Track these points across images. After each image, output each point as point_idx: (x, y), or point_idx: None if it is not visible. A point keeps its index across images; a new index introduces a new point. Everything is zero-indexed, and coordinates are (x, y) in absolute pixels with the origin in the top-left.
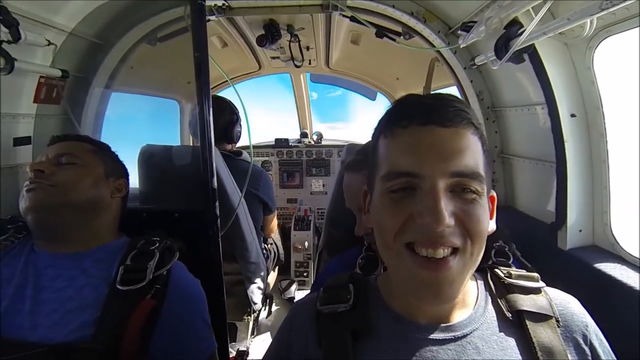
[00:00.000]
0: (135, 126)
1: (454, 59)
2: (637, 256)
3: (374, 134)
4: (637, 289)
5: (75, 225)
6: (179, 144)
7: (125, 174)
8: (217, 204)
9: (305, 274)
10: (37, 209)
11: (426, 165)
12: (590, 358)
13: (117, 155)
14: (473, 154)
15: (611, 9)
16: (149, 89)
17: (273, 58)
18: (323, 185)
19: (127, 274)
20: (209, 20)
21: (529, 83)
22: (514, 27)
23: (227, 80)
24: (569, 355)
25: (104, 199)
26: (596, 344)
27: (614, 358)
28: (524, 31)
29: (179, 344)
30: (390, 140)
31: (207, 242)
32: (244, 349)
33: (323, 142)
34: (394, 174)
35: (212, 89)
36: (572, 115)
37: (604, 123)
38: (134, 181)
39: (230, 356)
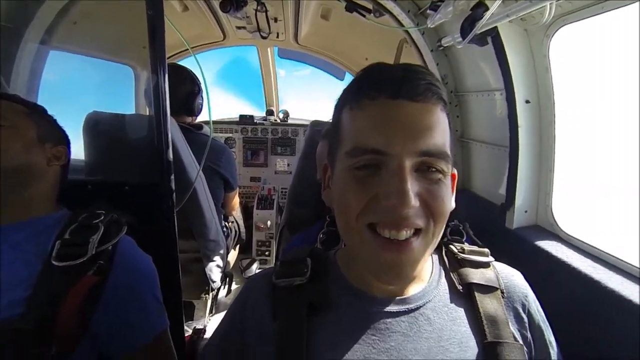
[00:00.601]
0: (81, 91)
1: (421, 40)
2: (572, 234)
3: (337, 104)
4: (571, 265)
5: (3, 195)
6: (133, 113)
7: (65, 141)
8: (172, 177)
9: (267, 253)
10: None
11: (394, 143)
12: (527, 324)
13: (54, 120)
14: (441, 131)
15: None
16: (97, 51)
17: (239, 28)
18: (288, 165)
19: (64, 248)
20: None
21: (491, 69)
22: (479, 9)
23: (188, 49)
24: (510, 323)
25: (37, 166)
26: (533, 312)
27: (548, 325)
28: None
29: (125, 321)
30: (356, 113)
31: (161, 216)
32: (201, 327)
33: (289, 121)
34: (359, 150)
35: (171, 56)
36: (527, 102)
37: (554, 110)
38: (80, 151)
39: (187, 334)
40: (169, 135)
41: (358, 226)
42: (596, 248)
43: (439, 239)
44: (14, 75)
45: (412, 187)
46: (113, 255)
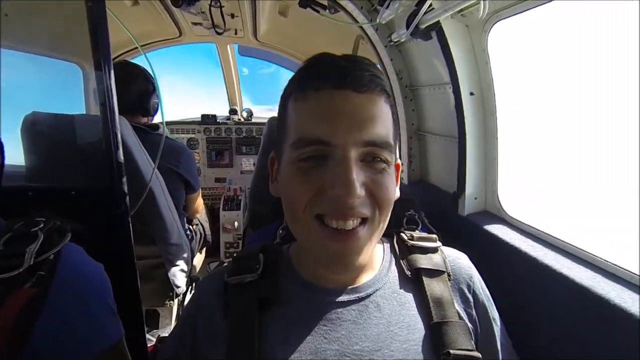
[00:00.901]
0: (19, 91)
1: (375, 36)
2: (516, 217)
3: (283, 94)
4: (514, 245)
5: None
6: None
7: None
8: (124, 180)
9: (235, 254)
10: None
11: (339, 133)
12: (472, 303)
13: None
14: (385, 122)
15: None
16: (35, 47)
17: (194, 24)
18: (254, 164)
19: None
20: None
21: (440, 64)
22: (423, 4)
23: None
24: (455, 304)
25: None
26: (478, 292)
27: (492, 303)
28: (430, 9)
29: (71, 333)
30: (301, 104)
31: (115, 222)
32: (166, 334)
33: (253, 120)
34: (303, 141)
35: (122, 54)
36: (471, 94)
37: (495, 101)
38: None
39: (151, 344)
40: (118, 135)
41: (306, 218)
42: (535, 228)
43: (385, 226)
44: None
45: (357, 176)
46: (56, 264)
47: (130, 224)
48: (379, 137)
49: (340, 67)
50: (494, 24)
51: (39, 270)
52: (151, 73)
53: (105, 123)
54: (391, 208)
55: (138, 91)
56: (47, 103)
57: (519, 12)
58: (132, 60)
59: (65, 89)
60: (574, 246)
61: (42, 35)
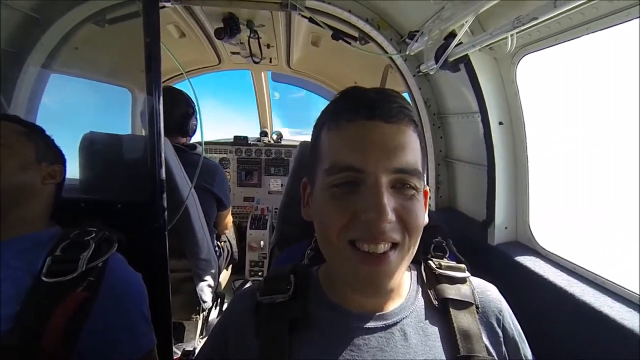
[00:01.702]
0: (80, 112)
1: (404, 66)
2: (549, 250)
3: (316, 124)
4: (548, 279)
5: None
6: (130, 133)
7: (61, 160)
8: (164, 195)
9: (260, 273)
10: None
11: (370, 161)
12: (502, 339)
13: (52, 140)
14: (413, 150)
15: (521, 28)
16: (96, 74)
17: (233, 53)
18: (281, 185)
19: (55, 265)
20: (163, 7)
21: (468, 94)
22: (451, 38)
23: (182, 73)
24: (484, 338)
25: (32, 184)
26: (508, 326)
27: (524, 339)
28: (459, 43)
29: (112, 338)
30: (334, 133)
31: (153, 235)
32: (191, 348)
33: (282, 142)
34: (337, 167)
35: (168, 79)
36: (500, 123)
37: (525, 131)
38: (75, 171)
39: (176, 357)
40: (162, 155)
41: (339, 243)
42: (571, 262)
43: (414, 252)
44: (14, 97)
45: (388, 202)
46: (103, 272)
47: (167, 238)
48: (408, 164)
49: (370, 100)
50: (522, 57)
51: (89, 276)
52: (193, 97)
53: (151, 143)
54: (420, 234)
55: (180, 114)
56: (101, 123)
57: (549, 46)
58: (175, 85)
59: (116, 111)
60: (614, 283)
61: (103, 65)
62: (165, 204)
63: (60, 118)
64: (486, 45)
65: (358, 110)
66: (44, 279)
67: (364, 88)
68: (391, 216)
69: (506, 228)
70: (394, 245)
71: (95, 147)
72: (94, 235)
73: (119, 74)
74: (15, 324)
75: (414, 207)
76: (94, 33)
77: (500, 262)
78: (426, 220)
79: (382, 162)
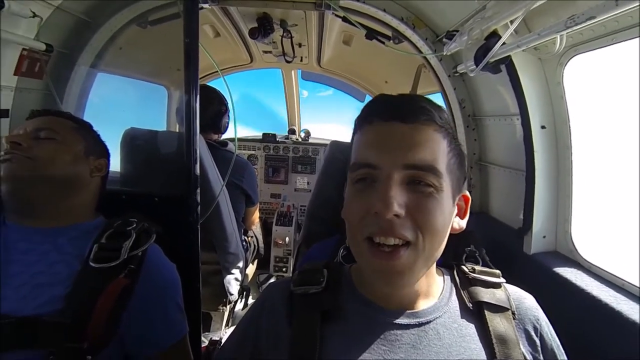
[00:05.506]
0: (121, 108)
1: (439, 66)
2: (593, 262)
3: (353, 130)
4: (591, 293)
5: (51, 201)
6: (165, 129)
7: (106, 154)
8: (198, 191)
9: (284, 269)
10: (11, 180)
11: (383, 157)
12: (539, 347)
13: (98, 135)
14: (432, 149)
15: (575, 28)
16: (137, 73)
17: (265, 52)
18: (308, 183)
19: (101, 252)
20: (201, 8)
21: (507, 95)
22: (493, 38)
23: (217, 71)
24: (521, 344)
25: (82, 177)
26: (546, 336)
27: (561, 349)
28: (502, 43)
29: (149, 324)
30: (359, 135)
31: (186, 228)
32: (217, 338)
33: (310, 140)
34: (357, 165)
35: (201, 78)
36: (543, 127)
37: (570, 136)
38: (116, 163)
39: (203, 345)
40: (197, 152)
41: (359, 238)
42: (618, 277)
43: (435, 254)
44: (66, 94)
45: (397, 196)
46: (142, 260)
47: (199, 231)
48: (421, 160)
49: (392, 104)
50: (571, 58)
51: (130, 264)
52: (226, 94)
53: (187, 139)
54: (439, 235)
55: (213, 112)
56: (139, 119)
57: (603, 46)
58: (209, 83)
59: (153, 108)
60: None
61: (142, 63)
62: (198, 199)
63: (104, 114)
64: (532, 46)
65: (379, 113)
66: (91, 264)
67: (389, 95)
68: (398, 209)
69: (544, 237)
70: (407, 244)
71: (136, 143)
72: (135, 225)
73: (157, 73)
74: (66, 304)
75: (428, 205)
76: (136, 34)
77: (536, 272)
78: (462, 225)
79: (395, 158)
